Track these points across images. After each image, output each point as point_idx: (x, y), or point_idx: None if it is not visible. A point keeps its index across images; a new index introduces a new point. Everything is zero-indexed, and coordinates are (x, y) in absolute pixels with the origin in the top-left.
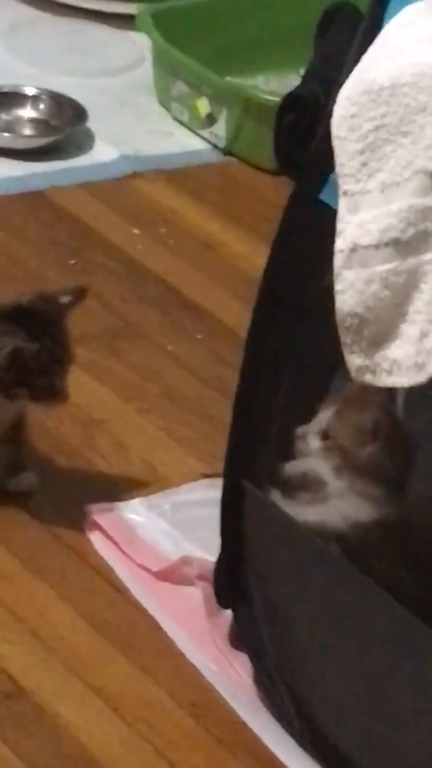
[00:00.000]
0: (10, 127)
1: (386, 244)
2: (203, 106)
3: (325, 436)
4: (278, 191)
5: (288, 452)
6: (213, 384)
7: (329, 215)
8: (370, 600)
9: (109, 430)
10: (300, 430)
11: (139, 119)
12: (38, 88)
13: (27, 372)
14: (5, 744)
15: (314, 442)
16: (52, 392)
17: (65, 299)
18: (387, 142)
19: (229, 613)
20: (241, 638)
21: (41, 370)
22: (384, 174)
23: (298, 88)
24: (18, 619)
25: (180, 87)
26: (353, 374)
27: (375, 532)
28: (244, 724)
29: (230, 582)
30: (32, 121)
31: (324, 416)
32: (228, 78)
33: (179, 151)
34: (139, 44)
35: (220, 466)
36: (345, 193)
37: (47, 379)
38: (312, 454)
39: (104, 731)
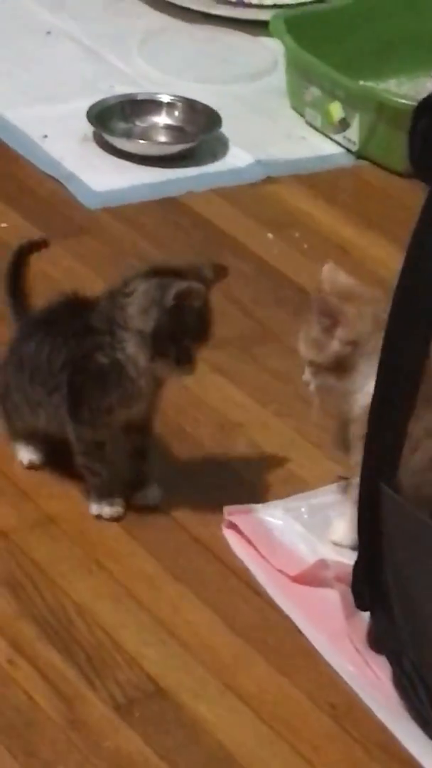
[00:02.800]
0: (146, 134)
1: None
2: (336, 110)
3: None
4: (411, 194)
5: None
6: None
7: None
8: None
9: (246, 432)
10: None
11: (272, 124)
12: (173, 95)
13: (182, 325)
14: (146, 743)
15: None
16: (190, 358)
17: (207, 273)
18: None
19: (366, 615)
20: (379, 640)
21: (190, 328)
22: None
23: None
24: (157, 620)
25: (313, 92)
26: None
27: None
28: (383, 725)
29: (368, 584)
30: (167, 127)
31: None
32: (361, 82)
33: (312, 155)
34: (272, 50)
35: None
36: None
37: (191, 342)
38: None
39: (242, 730)
